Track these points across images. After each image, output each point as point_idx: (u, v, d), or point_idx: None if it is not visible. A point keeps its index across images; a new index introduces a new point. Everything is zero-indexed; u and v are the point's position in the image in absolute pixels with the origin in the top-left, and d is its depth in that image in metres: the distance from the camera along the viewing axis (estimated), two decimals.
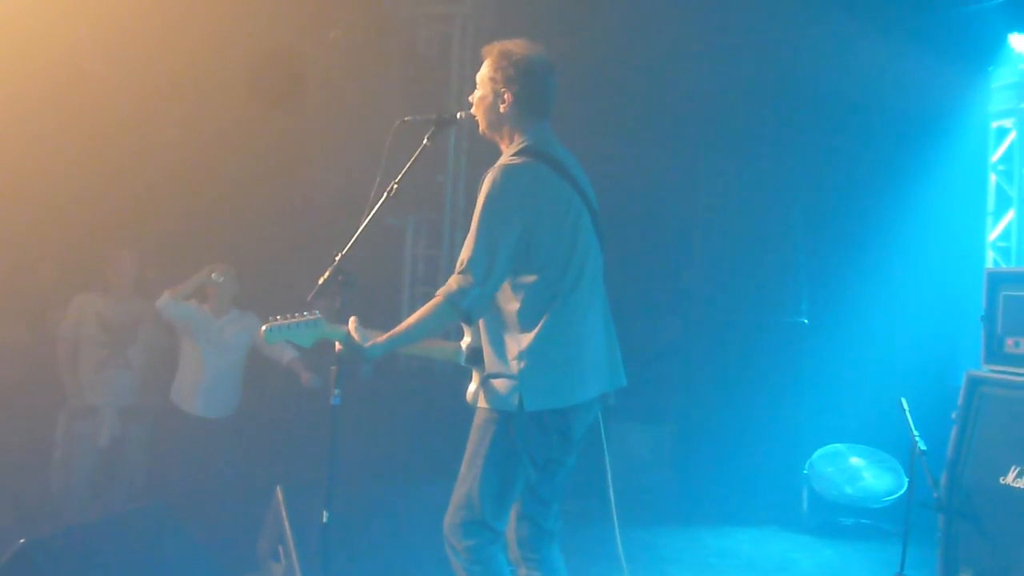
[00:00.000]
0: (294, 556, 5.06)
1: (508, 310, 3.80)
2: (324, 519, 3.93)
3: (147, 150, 7.53)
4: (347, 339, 3.79)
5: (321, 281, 3.91)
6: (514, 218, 3.73)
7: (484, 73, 3.97)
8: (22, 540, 4.26)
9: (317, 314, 3.87)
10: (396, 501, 7.48)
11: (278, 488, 5.40)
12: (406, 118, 4.16)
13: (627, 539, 4.07)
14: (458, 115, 4.11)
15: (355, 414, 6.33)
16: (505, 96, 3.90)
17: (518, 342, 3.77)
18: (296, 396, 7.21)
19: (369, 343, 3.78)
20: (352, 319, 3.80)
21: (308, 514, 4.83)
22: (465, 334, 4.08)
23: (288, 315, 3.88)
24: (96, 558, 4.61)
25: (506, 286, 3.81)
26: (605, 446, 4.03)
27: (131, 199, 7.51)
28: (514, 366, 3.75)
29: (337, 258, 3.92)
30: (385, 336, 3.80)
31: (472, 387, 4.00)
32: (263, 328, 3.88)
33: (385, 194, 4.02)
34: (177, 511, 5.41)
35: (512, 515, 3.97)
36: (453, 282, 3.72)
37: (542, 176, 3.82)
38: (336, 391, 3.94)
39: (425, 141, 4.11)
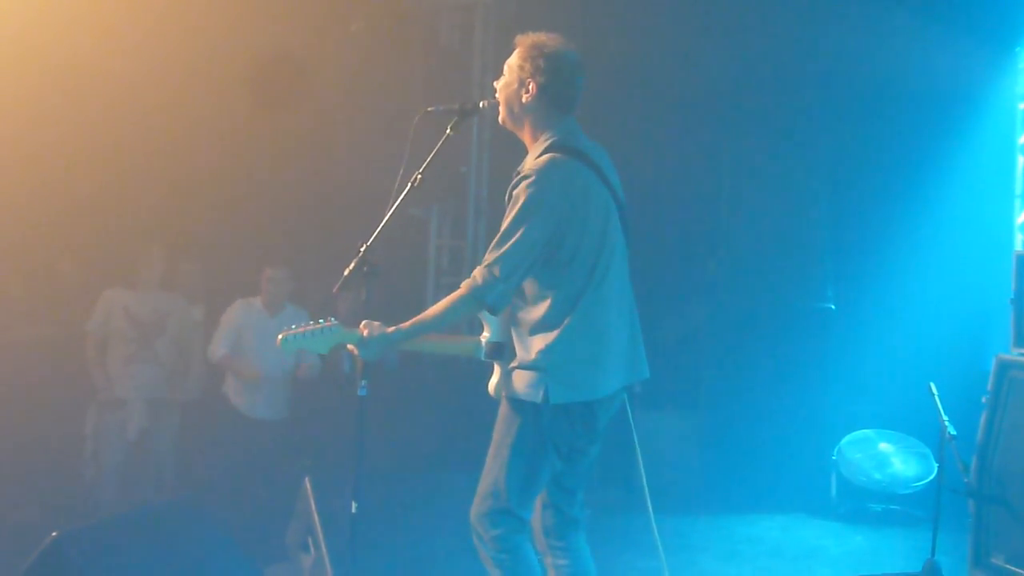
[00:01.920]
0: (323, 547, 5.08)
1: (537, 305, 3.81)
2: (353, 509, 3.95)
3: (169, 145, 7.57)
4: (362, 341, 3.82)
5: (347, 272, 3.92)
6: (547, 217, 3.72)
7: (513, 61, 3.96)
8: (54, 534, 4.30)
9: (332, 320, 3.89)
10: (424, 491, 7.51)
11: (306, 479, 5.43)
12: (429, 108, 4.15)
13: (656, 527, 4.07)
14: (481, 104, 4.10)
15: (382, 405, 6.35)
16: (530, 86, 3.89)
17: (545, 337, 3.77)
18: (324, 388, 7.25)
19: (391, 328, 3.81)
20: (363, 323, 3.83)
21: (337, 505, 4.86)
22: (484, 329, 4.08)
23: (303, 324, 3.90)
24: (127, 551, 4.64)
25: (535, 282, 3.81)
26: (635, 435, 4.03)
27: (154, 194, 7.55)
28: (541, 360, 3.76)
29: (362, 249, 3.93)
30: (408, 323, 3.83)
31: (494, 380, 4.02)
32: (279, 338, 3.91)
33: (409, 185, 4.01)
34: (207, 504, 5.44)
35: (538, 504, 3.99)
36: (479, 275, 3.73)
37: (574, 173, 3.82)
38: (363, 382, 3.95)
39: (448, 131, 4.10)
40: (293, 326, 3.91)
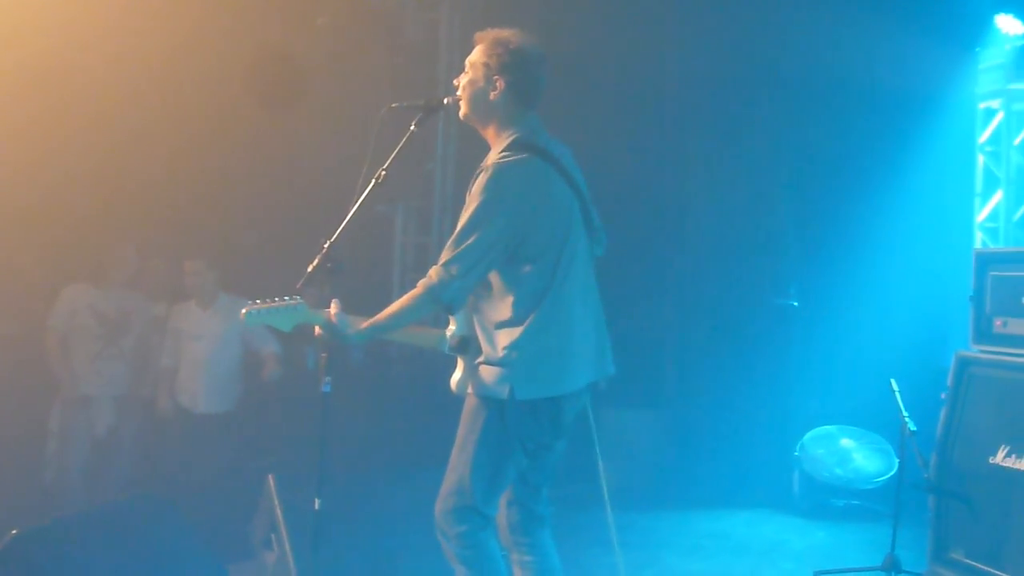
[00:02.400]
0: (287, 544, 5.06)
1: (501, 301, 3.81)
2: (316, 506, 3.94)
3: (133, 141, 7.49)
4: (327, 324, 3.79)
5: (310, 269, 3.90)
6: (507, 216, 3.72)
7: (477, 58, 3.95)
8: (14, 531, 4.25)
9: (298, 299, 3.85)
10: (389, 488, 7.49)
11: (270, 476, 5.40)
12: (393, 104, 4.14)
13: (620, 523, 4.11)
14: (445, 100, 4.08)
15: (346, 401, 6.33)
16: (498, 83, 3.88)
17: (510, 333, 3.78)
18: (287, 383, 7.20)
19: (351, 330, 3.79)
20: (334, 303, 3.81)
21: (300, 502, 4.84)
22: (451, 323, 4.08)
23: (269, 299, 3.86)
24: (89, 548, 4.59)
25: (499, 278, 3.81)
26: (594, 432, 4.04)
27: (118, 190, 7.47)
28: (506, 356, 3.77)
29: (326, 246, 3.91)
30: (367, 323, 3.81)
31: (457, 376, 4.01)
32: (243, 311, 3.85)
33: (373, 181, 4.00)
34: (170, 500, 5.41)
35: (502, 501, 3.99)
36: (434, 274, 3.72)
37: (536, 170, 3.82)
38: (327, 378, 3.94)
39: (412, 127, 4.09)
40: (258, 300, 3.86)
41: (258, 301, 3.85)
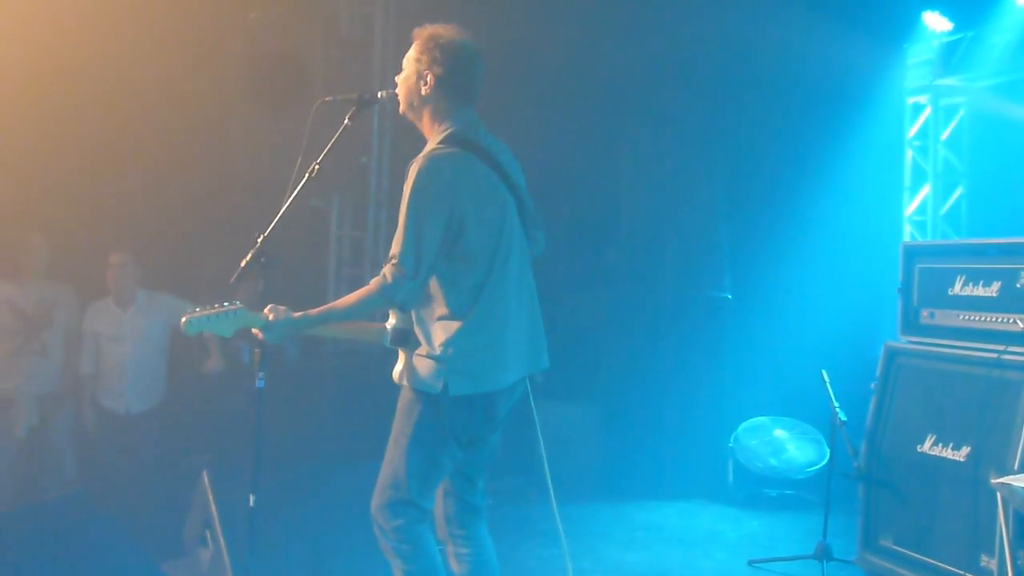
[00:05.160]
0: (221, 540, 5.03)
1: (438, 297, 3.81)
2: (251, 502, 3.92)
3: (59, 131, 7.32)
4: (268, 323, 3.77)
5: (243, 263, 3.87)
6: (442, 210, 3.72)
7: (411, 54, 3.95)
8: None
9: (237, 304, 3.82)
10: (324, 483, 7.46)
11: (204, 472, 5.36)
12: (327, 98, 4.12)
13: (558, 515, 4.11)
14: (379, 95, 4.08)
15: (281, 396, 6.29)
16: (428, 78, 3.89)
17: (446, 328, 3.78)
18: (221, 379, 7.13)
19: (298, 313, 3.78)
20: (269, 307, 3.78)
21: (235, 498, 4.81)
22: (390, 316, 4.08)
23: (208, 306, 3.82)
24: (19, 548, 4.54)
25: (436, 274, 3.81)
26: (538, 425, 4.06)
27: (45, 183, 7.29)
28: (441, 351, 3.77)
29: (259, 240, 3.88)
30: (316, 310, 3.81)
31: (398, 367, 4.01)
32: (183, 320, 3.80)
33: (307, 175, 3.98)
34: (101, 498, 5.34)
35: (438, 493, 4.00)
36: (388, 274, 3.71)
37: (468, 165, 3.82)
38: (260, 374, 3.91)
39: (346, 121, 4.08)
40: (197, 308, 3.83)
41: (197, 309, 3.81)
